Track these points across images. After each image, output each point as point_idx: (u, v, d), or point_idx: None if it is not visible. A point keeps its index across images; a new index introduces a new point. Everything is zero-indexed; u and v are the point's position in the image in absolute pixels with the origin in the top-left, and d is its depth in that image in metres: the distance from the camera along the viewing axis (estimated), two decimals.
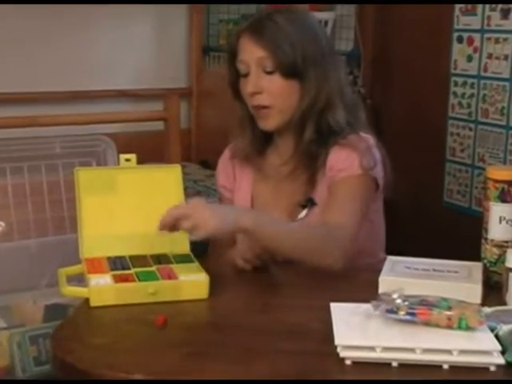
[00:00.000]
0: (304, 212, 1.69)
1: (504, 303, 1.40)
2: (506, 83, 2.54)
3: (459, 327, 1.23)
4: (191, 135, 3.79)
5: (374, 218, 1.76)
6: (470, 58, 2.68)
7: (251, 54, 1.66)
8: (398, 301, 1.25)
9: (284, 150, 1.75)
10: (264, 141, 1.78)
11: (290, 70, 1.65)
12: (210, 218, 1.40)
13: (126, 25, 3.52)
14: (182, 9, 3.67)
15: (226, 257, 1.64)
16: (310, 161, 1.69)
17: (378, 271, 1.46)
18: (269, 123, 1.69)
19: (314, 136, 1.68)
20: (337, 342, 1.19)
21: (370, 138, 1.71)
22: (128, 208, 1.60)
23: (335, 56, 1.80)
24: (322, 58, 1.68)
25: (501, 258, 1.49)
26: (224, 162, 1.87)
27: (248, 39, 1.66)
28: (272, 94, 1.66)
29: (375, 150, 1.69)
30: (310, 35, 1.69)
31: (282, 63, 1.64)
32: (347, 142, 1.66)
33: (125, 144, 2.03)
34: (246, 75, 1.68)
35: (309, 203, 1.69)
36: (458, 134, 2.77)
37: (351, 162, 1.64)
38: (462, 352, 1.17)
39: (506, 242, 1.49)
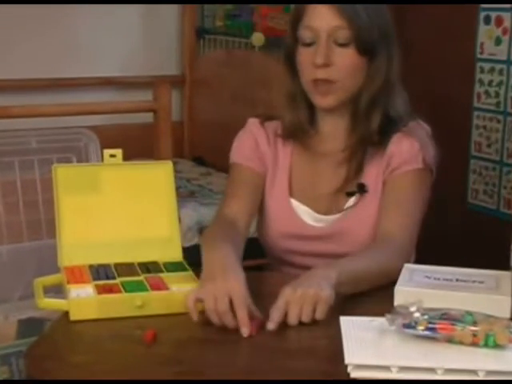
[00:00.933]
0: (352, 200, 1.70)
1: None
2: None
3: (486, 345, 1.22)
4: (184, 128, 3.80)
5: None
6: (498, 41, 2.68)
7: (325, 21, 1.65)
8: (417, 314, 1.25)
9: (333, 132, 1.75)
10: (310, 119, 1.77)
11: (366, 45, 1.66)
12: (321, 290, 1.38)
13: (112, 6, 3.52)
14: None
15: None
16: (367, 150, 1.71)
17: (394, 281, 1.46)
18: (328, 100, 1.69)
19: (380, 125, 1.70)
20: (347, 360, 1.19)
21: (427, 127, 1.77)
22: (113, 210, 1.60)
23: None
24: (392, 37, 1.71)
25: None
26: (248, 137, 1.80)
27: (324, 4, 1.65)
28: (342, 68, 1.66)
29: (431, 140, 1.75)
30: (383, 10, 1.71)
31: (359, 35, 1.64)
32: (409, 130, 1.71)
33: (109, 138, 2.03)
34: (311, 44, 1.67)
35: (359, 190, 1.70)
36: (485, 127, 2.77)
37: (415, 153, 1.69)
38: (490, 373, 1.17)
39: None
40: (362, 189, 1.70)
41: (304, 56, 1.68)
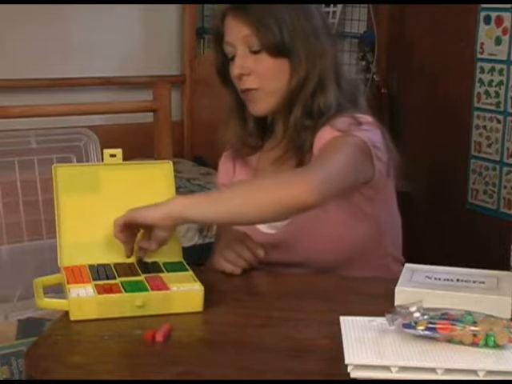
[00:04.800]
0: None
1: None
2: None
3: (486, 344, 1.22)
4: (184, 128, 3.80)
5: (382, 216, 1.74)
6: (498, 41, 2.68)
7: (236, 33, 1.70)
8: (417, 314, 1.25)
9: (277, 137, 1.78)
10: (261, 131, 1.80)
11: (277, 48, 1.69)
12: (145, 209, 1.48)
13: (112, 5, 3.52)
14: None
15: (214, 265, 1.64)
16: (299, 147, 1.71)
17: (394, 280, 1.46)
18: (259, 107, 1.73)
19: (303, 120, 1.70)
20: (347, 360, 1.19)
21: (365, 117, 1.69)
22: (113, 210, 1.59)
23: (331, 35, 1.80)
24: (315, 36, 1.72)
25: None
26: (224, 156, 1.91)
27: (232, 18, 1.71)
28: (260, 75, 1.70)
29: (373, 127, 1.67)
30: (300, 11, 1.72)
31: (268, 41, 1.68)
32: (334, 121, 1.66)
33: (109, 138, 2.03)
34: (234, 58, 1.72)
35: None
36: (485, 127, 2.77)
37: (328, 134, 1.64)
38: (489, 373, 1.16)
39: None
40: None
41: (231, 70, 1.74)
